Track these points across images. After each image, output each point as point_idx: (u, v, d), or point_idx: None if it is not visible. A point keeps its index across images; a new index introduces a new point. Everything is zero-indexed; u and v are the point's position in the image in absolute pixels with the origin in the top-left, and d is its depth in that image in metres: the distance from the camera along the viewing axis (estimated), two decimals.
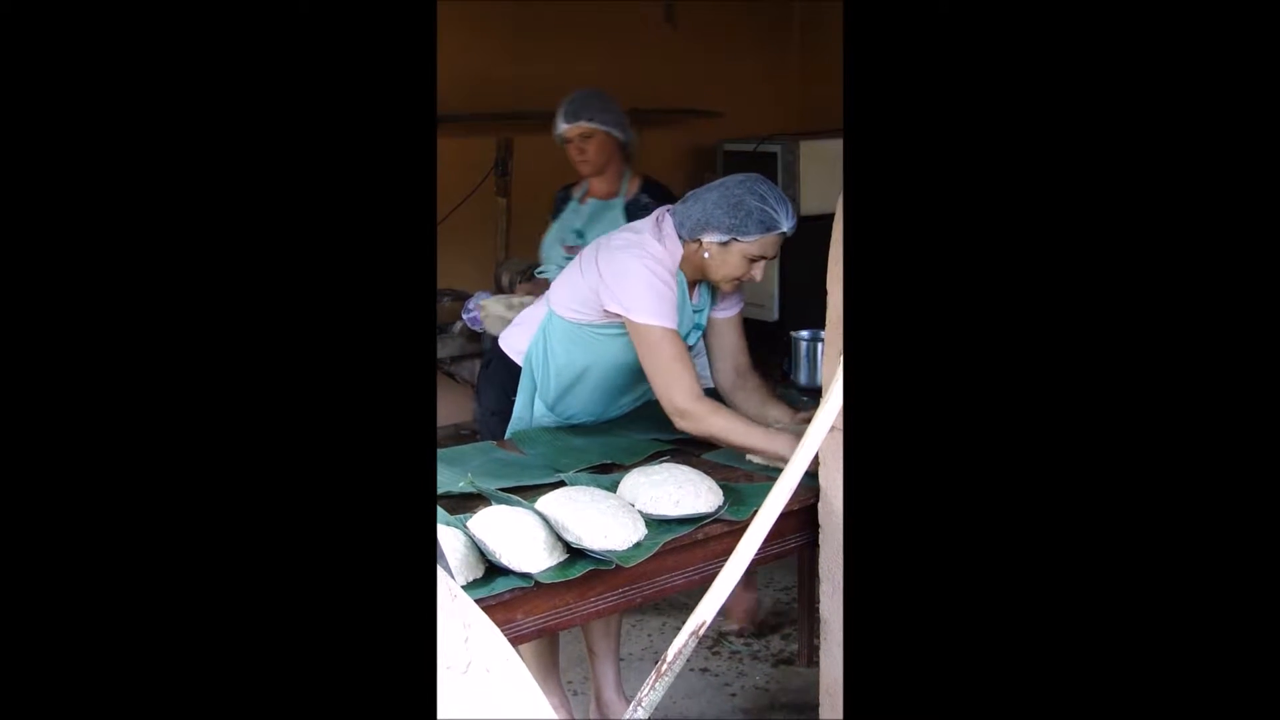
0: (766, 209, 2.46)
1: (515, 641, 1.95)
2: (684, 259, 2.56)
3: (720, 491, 2.27)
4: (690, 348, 2.69)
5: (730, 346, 2.74)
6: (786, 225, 2.49)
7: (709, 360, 2.79)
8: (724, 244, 2.49)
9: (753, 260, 2.51)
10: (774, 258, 2.55)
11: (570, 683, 3.03)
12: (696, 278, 2.60)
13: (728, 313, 2.73)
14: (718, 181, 2.56)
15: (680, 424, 2.49)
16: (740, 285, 2.61)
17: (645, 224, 2.61)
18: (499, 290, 4.31)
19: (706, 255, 2.51)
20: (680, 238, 2.55)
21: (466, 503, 2.23)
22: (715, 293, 2.66)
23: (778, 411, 2.66)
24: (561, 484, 2.32)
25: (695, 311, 2.66)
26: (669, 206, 2.63)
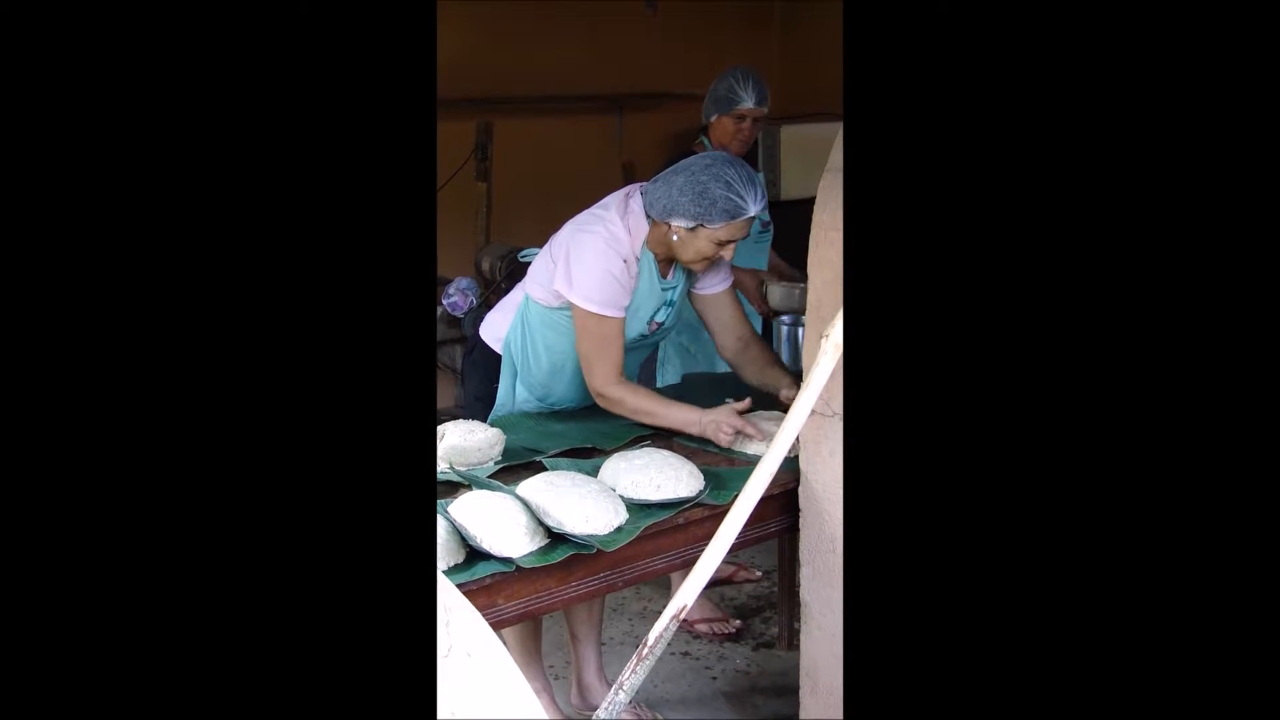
0: (732, 196, 2.44)
1: (497, 626, 1.95)
2: (654, 239, 2.56)
3: (701, 476, 2.27)
4: (660, 325, 2.70)
5: (728, 319, 2.74)
6: (754, 209, 2.48)
7: (711, 335, 2.81)
8: (691, 229, 2.49)
9: (721, 244, 2.51)
10: (744, 238, 2.55)
11: (552, 667, 3.04)
12: (668, 256, 2.59)
13: (717, 288, 2.73)
14: (684, 163, 2.54)
15: (600, 403, 2.59)
16: (712, 263, 2.60)
17: (613, 201, 2.61)
18: (479, 276, 4.30)
19: (675, 238, 2.51)
20: (649, 217, 2.55)
21: (447, 488, 2.23)
22: (690, 271, 2.66)
23: (777, 379, 2.66)
24: (542, 469, 2.32)
25: (666, 289, 2.65)
26: (641, 185, 2.62)
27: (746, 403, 2.51)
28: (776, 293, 3.32)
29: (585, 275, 2.50)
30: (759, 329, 3.05)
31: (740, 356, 2.74)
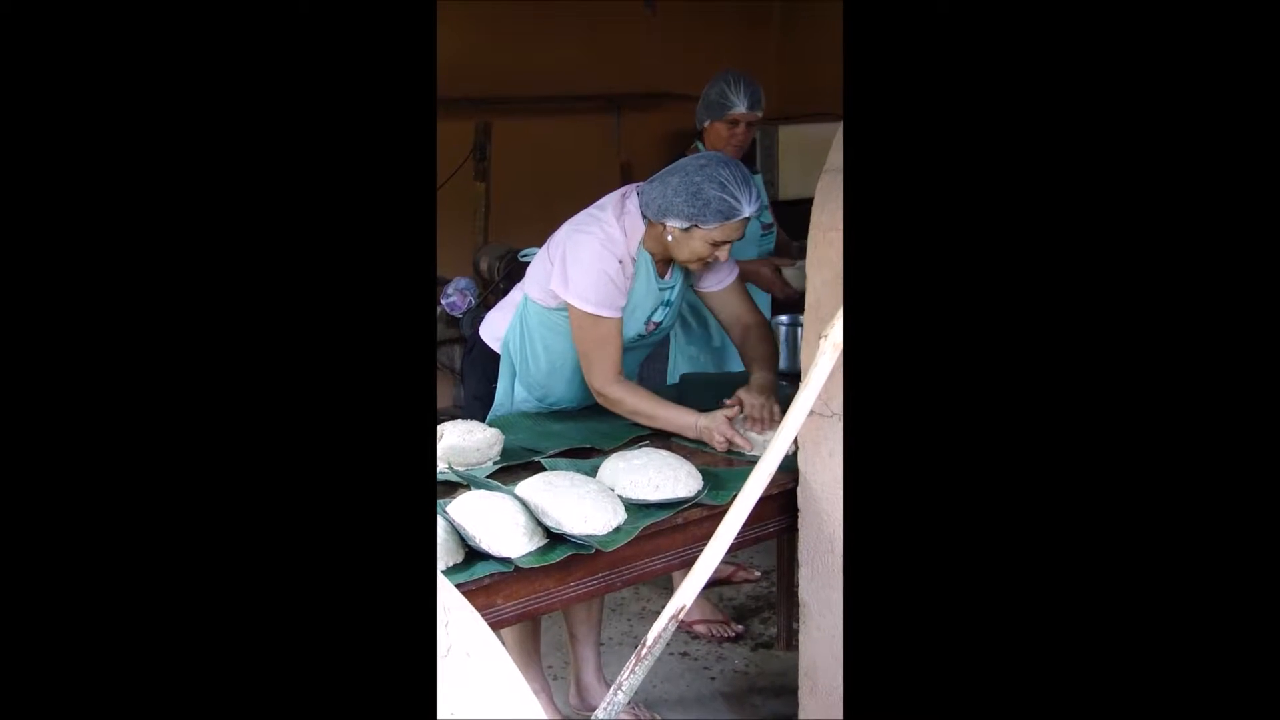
0: (726, 197, 2.45)
1: (495, 626, 1.95)
2: (650, 238, 2.56)
3: (699, 476, 2.27)
4: (658, 324, 2.70)
5: (735, 313, 2.78)
6: (748, 210, 2.49)
7: (724, 329, 2.85)
8: (686, 230, 2.49)
9: (716, 244, 2.51)
10: (740, 239, 2.56)
11: (550, 667, 3.04)
12: (665, 256, 2.60)
13: (720, 284, 2.74)
14: (679, 163, 2.54)
15: (600, 402, 2.61)
16: (708, 263, 2.61)
17: (610, 201, 2.61)
18: (477, 275, 4.30)
19: (670, 239, 2.52)
20: (645, 218, 2.55)
21: (446, 488, 2.23)
22: (688, 270, 2.66)
23: (757, 378, 2.67)
24: (540, 469, 2.32)
25: (663, 289, 2.66)
26: (638, 184, 2.62)
27: (735, 410, 2.53)
28: (793, 274, 3.30)
29: (581, 276, 2.50)
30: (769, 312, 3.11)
31: (740, 347, 2.80)
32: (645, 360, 3.07)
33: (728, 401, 2.59)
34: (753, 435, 2.49)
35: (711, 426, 2.50)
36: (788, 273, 3.30)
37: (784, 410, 2.56)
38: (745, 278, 2.91)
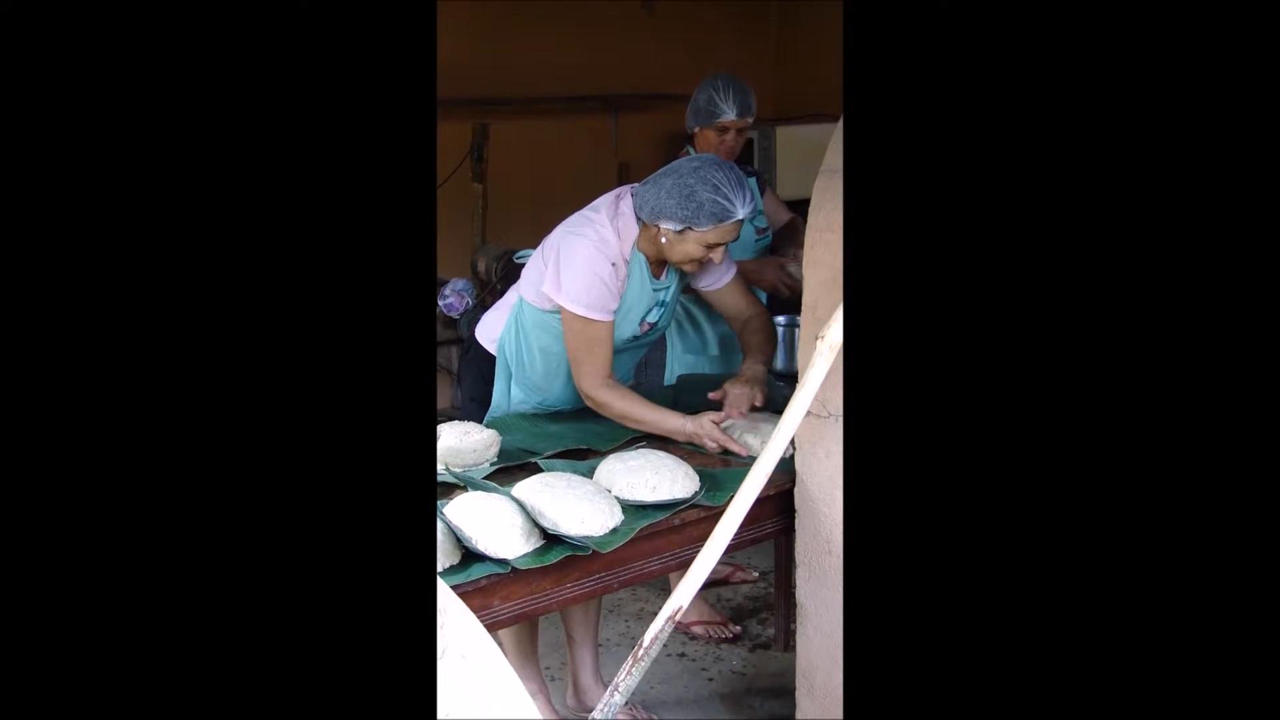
0: (719, 199, 2.45)
1: (493, 627, 1.95)
2: (645, 240, 2.56)
3: (696, 477, 2.27)
4: (653, 325, 2.70)
5: (735, 308, 2.81)
6: (742, 213, 2.49)
7: (729, 324, 2.89)
8: (679, 232, 2.49)
9: (709, 246, 2.52)
10: (733, 240, 2.56)
11: (548, 668, 3.03)
12: (659, 258, 2.60)
13: (719, 283, 2.76)
14: (672, 165, 2.54)
15: (588, 404, 2.62)
16: (702, 265, 2.61)
17: (604, 203, 2.61)
18: (475, 277, 4.30)
19: (664, 241, 2.52)
20: (639, 219, 2.55)
21: (443, 489, 2.23)
22: (683, 272, 2.67)
23: (746, 367, 2.69)
24: (537, 470, 2.32)
25: (658, 290, 2.66)
26: (632, 186, 2.62)
27: (722, 415, 2.54)
28: (798, 270, 3.28)
29: (573, 279, 2.50)
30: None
31: (739, 339, 2.83)
32: (642, 367, 3.07)
33: (712, 395, 2.60)
34: (747, 439, 2.49)
35: (699, 431, 2.50)
36: (796, 270, 3.27)
37: (773, 405, 2.59)
38: (747, 280, 2.91)
